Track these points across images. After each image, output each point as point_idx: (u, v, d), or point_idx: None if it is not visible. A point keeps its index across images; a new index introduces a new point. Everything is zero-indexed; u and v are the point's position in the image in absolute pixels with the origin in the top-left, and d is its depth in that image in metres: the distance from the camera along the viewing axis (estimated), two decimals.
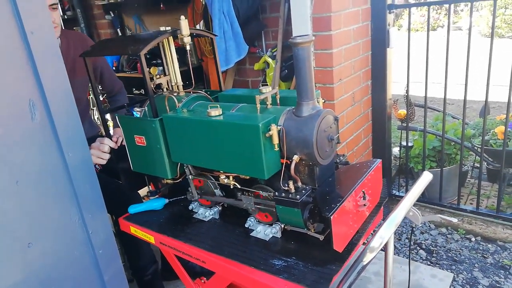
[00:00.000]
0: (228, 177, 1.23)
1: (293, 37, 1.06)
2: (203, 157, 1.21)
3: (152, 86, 1.43)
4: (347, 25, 2.30)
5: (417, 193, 1.02)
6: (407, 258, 2.39)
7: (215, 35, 1.48)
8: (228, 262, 1.17)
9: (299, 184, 1.11)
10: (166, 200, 1.51)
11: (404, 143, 2.85)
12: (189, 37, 1.30)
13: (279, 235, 1.23)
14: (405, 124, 2.71)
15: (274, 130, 1.05)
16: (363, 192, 1.11)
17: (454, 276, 2.17)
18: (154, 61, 3.18)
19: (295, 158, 1.09)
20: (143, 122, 1.31)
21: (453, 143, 2.67)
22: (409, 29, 2.48)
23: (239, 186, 1.22)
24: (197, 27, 3.07)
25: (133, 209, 1.49)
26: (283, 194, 1.09)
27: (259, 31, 2.94)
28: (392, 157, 3.18)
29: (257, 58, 3.04)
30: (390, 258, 1.10)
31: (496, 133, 2.53)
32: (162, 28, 1.33)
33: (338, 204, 1.02)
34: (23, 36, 1.09)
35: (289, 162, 1.10)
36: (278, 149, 1.08)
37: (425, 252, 2.42)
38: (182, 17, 1.28)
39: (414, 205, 1.03)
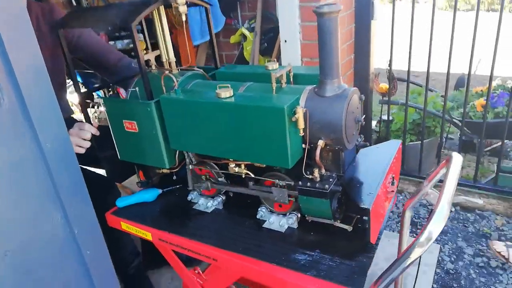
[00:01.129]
0: (239, 165, 1.10)
1: (319, 5, 0.92)
2: (210, 145, 1.07)
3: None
4: None
5: (455, 180, 0.94)
6: (393, 231, 2.40)
7: (210, 4, 1.30)
8: (245, 259, 1.05)
9: (323, 171, 1.01)
10: (159, 191, 1.35)
11: (384, 117, 2.83)
12: (185, 6, 1.12)
13: (295, 225, 1.13)
14: (387, 98, 2.67)
15: (300, 113, 0.92)
16: (392, 177, 1.02)
17: (440, 247, 2.21)
18: (118, 34, 2.89)
19: (320, 143, 0.98)
20: (135, 105, 1.13)
21: (432, 115, 2.68)
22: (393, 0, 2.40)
23: (252, 176, 1.10)
24: None
25: (122, 202, 1.33)
26: (308, 184, 0.98)
27: (235, 1, 2.74)
28: None
29: (232, 31, 2.85)
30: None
31: (475, 106, 2.56)
32: None
33: (374, 193, 0.93)
34: None
35: (309, 148, 0.99)
36: (303, 134, 0.96)
37: (410, 225, 2.45)
38: None
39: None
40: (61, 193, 1.11)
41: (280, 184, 1.06)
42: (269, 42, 2.66)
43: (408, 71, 2.52)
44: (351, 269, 0.97)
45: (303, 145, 1.01)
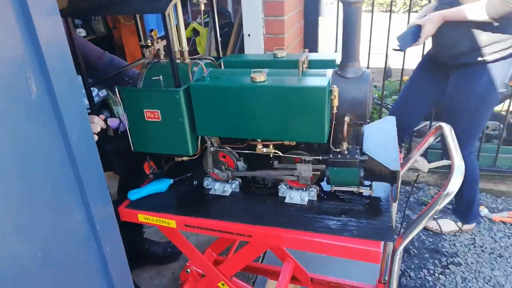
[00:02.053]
0: (267, 146, 1.18)
1: None
2: (242, 127, 1.12)
3: (151, 53, 1.26)
4: None
5: (455, 140, 1.15)
6: None
7: None
8: (282, 231, 1.14)
9: (346, 144, 1.14)
10: (171, 180, 1.36)
11: None
12: None
13: (315, 198, 1.24)
14: None
15: (336, 92, 1.04)
16: (402, 145, 1.20)
17: None
18: (79, 23, 2.71)
19: (347, 119, 1.11)
20: (160, 94, 1.13)
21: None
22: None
23: (281, 154, 1.18)
24: None
25: (135, 194, 1.31)
26: (339, 156, 1.11)
27: None
28: None
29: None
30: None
31: None
32: None
33: (397, 158, 1.08)
34: None
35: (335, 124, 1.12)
36: (336, 111, 1.08)
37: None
38: None
39: None
40: (86, 189, 1.08)
41: (307, 159, 1.17)
42: (223, 36, 2.72)
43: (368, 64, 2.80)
44: (378, 226, 1.11)
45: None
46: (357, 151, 1.12)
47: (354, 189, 1.17)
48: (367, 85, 1.09)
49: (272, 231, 1.15)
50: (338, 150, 1.12)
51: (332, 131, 1.13)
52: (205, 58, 1.29)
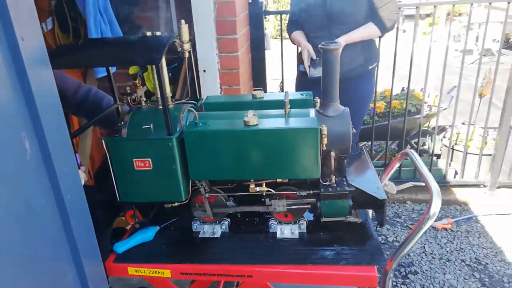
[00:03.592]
0: (259, 185, 1.21)
1: (325, 43, 1.14)
2: (237, 169, 1.15)
3: (132, 99, 1.24)
4: (241, 29, 2.43)
5: (424, 166, 1.29)
6: None
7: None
8: (282, 267, 1.17)
9: (334, 178, 1.22)
10: (157, 228, 1.32)
11: None
12: (189, 43, 1.19)
13: (305, 230, 1.30)
14: None
15: (325, 131, 1.12)
16: (380, 173, 1.31)
17: None
18: None
19: (333, 154, 1.19)
20: (151, 142, 1.12)
21: None
22: (281, 33, 2.80)
23: (274, 192, 1.22)
24: (43, 26, 2.56)
25: (122, 247, 1.25)
26: (330, 189, 1.18)
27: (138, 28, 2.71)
28: None
29: None
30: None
31: None
32: (148, 33, 1.16)
33: (380, 187, 1.19)
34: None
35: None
36: (325, 148, 1.16)
37: None
38: (183, 21, 1.15)
39: None
40: (80, 250, 1.03)
41: (302, 194, 1.23)
42: (173, 72, 2.72)
43: None
44: (370, 251, 1.20)
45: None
46: (344, 183, 1.20)
47: (343, 218, 1.25)
48: (348, 122, 1.19)
49: (273, 268, 1.17)
50: (327, 183, 1.20)
51: (320, 166, 1.20)
52: (187, 102, 1.30)
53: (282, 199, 1.24)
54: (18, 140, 0.83)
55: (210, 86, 2.35)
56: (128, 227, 1.41)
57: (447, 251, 2.50)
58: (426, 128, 3.56)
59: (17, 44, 0.80)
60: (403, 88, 3.58)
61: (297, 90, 2.59)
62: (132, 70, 2.85)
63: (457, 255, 2.45)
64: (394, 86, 2.98)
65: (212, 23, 2.19)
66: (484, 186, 3.07)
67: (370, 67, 2.38)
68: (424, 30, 10.17)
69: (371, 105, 2.91)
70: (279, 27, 2.88)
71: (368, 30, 2.25)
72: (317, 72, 2.26)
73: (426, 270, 2.34)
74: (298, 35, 2.41)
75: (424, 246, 2.54)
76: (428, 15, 10.95)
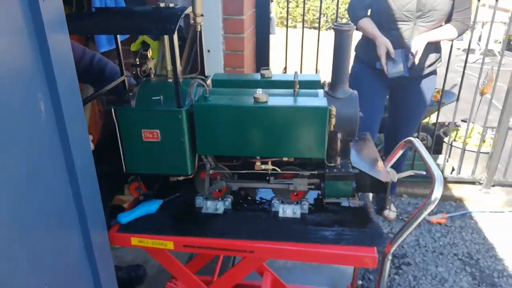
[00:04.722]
0: (265, 163, 1.22)
1: (338, 24, 1.14)
2: (244, 145, 1.16)
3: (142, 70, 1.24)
4: (247, 11, 2.41)
5: (427, 152, 1.30)
6: None
7: None
8: (283, 244, 1.18)
9: (339, 159, 1.23)
10: (161, 201, 1.33)
11: None
12: (202, 16, 1.18)
13: (307, 211, 1.31)
14: None
15: (334, 111, 1.13)
16: (382, 157, 1.32)
17: None
18: None
19: (339, 136, 1.20)
20: (161, 114, 1.12)
21: None
22: (287, 18, 2.79)
23: (279, 170, 1.23)
24: None
25: (125, 217, 1.26)
26: (335, 170, 1.19)
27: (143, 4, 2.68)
28: None
29: (132, 38, 2.77)
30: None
31: None
32: (162, 4, 1.16)
33: (385, 171, 1.20)
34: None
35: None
36: (333, 129, 1.16)
37: None
38: None
39: None
40: (88, 217, 1.04)
41: (305, 174, 1.24)
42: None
43: None
44: (370, 233, 1.22)
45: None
46: (349, 164, 1.22)
47: (345, 200, 1.26)
48: (357, 105, 1.20)
49: (274, 245, 1.19)
50: (332, 164, 1.21)
51: (326, 146, 1.21)
52: (196, 77, 1.30)
53: (304, 178, 1.24)
54: (34, 100, 0.83)
55: (214, 67, 2.34)
56: (125, 205, 1.42)
57: (440, 244, 2.53)
58: (426, 123, 3.58)
59: (38, 5, 0.80)
60: None
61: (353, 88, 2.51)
62: (134, 47, 2.83)
63: (450, 249, 2.49)
64: None
65: (219, 2, 2.18)
66: (480, 183, 3.11)
67: (439, 66, 2.36)
68: None
69: None
70: (281, 14, 2.86)
71: (447, 31, 2.18)
72: (396, 70, 2.11)
73: (419, 262, 2.37)
74: (370, 24, 2.21)
75: (418, 239, 2.57)
76: None
